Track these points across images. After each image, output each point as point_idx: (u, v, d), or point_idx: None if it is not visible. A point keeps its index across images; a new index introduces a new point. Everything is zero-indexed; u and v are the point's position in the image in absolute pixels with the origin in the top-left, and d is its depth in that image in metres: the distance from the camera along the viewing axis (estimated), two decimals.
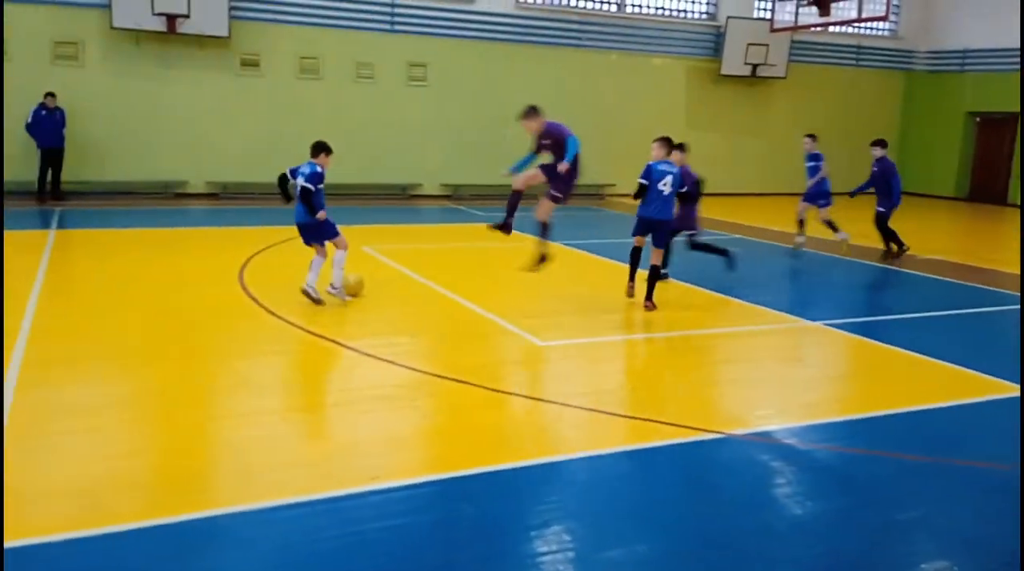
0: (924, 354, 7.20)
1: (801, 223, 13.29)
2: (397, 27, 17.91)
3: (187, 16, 15.54)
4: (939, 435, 5.56)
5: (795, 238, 13.21)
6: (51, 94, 14.93)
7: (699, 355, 7.42)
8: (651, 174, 8.37)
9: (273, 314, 7.78)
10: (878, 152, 12.95)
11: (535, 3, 19.30)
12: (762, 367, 7.01)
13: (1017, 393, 6.32)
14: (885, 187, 12.62)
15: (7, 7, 14.90)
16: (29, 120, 14.75)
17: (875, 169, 12.81)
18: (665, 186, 8.33)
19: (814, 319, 8.39)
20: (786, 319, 8.45)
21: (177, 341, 6.98)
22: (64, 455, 4.62)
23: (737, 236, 14.45)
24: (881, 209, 12.58)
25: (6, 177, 14.79)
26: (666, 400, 6.08)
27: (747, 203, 19.98)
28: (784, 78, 21.54)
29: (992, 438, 5.63)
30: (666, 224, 8.58)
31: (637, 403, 5.91)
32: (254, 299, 8.36)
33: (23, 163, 14.95)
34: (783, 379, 6.70)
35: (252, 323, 7.59)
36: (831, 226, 12.85)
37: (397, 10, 17.86)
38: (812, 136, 13.60)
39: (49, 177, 15.01)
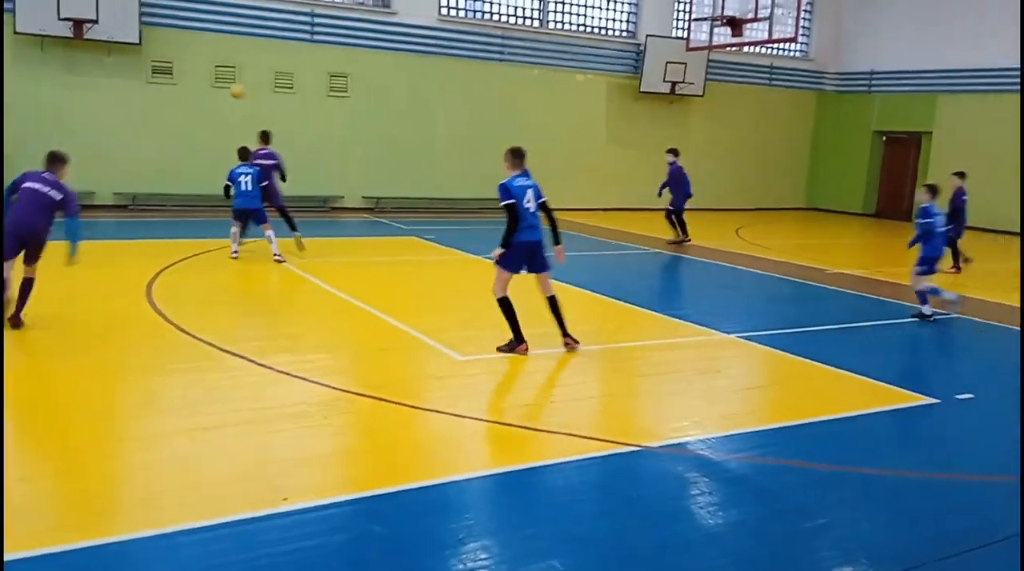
0: (835, 366, 7.40)
1: None
2: (317, 37, 17.66)
3: (95, 22, 14.99)
4: (850, 445, 5.70)
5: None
6: None
7: (616, 368, 7.46)
8: (511, 192, 7.19)
9: (182, 330, 7.51)
10: (670, 158, 15.62)
11: (458, 16, 19.32)
12: (679, 380, 7.09)
13: (922, 402, 6.55)
14: (677, 187, 15.34)
15: None
16: None
17: (670, 171, 15.58)
18: (530, 203, 7.24)
19: (728, 332, 8.55)
20: (701, 332, 8.58)
21: (79, 358, 6.66)
22: None
23: (653, 249, 14.67)
24: (671, 206, 15.36)
25: None
26: (583, 414, 6.08)
27: (654, 216, 20.32)
28: (702, 96, 22.07)
29: (901, 447, 5.81)
30: (539, 245, 7.34)
31: (554, 417, 5.89)
32: (162, 314, 8.06)
33: None
34: (699, 391, 6.79)
35: (160, 339, 7.30)
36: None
37: (317, 19, 17.62)
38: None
39: None
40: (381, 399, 5.91)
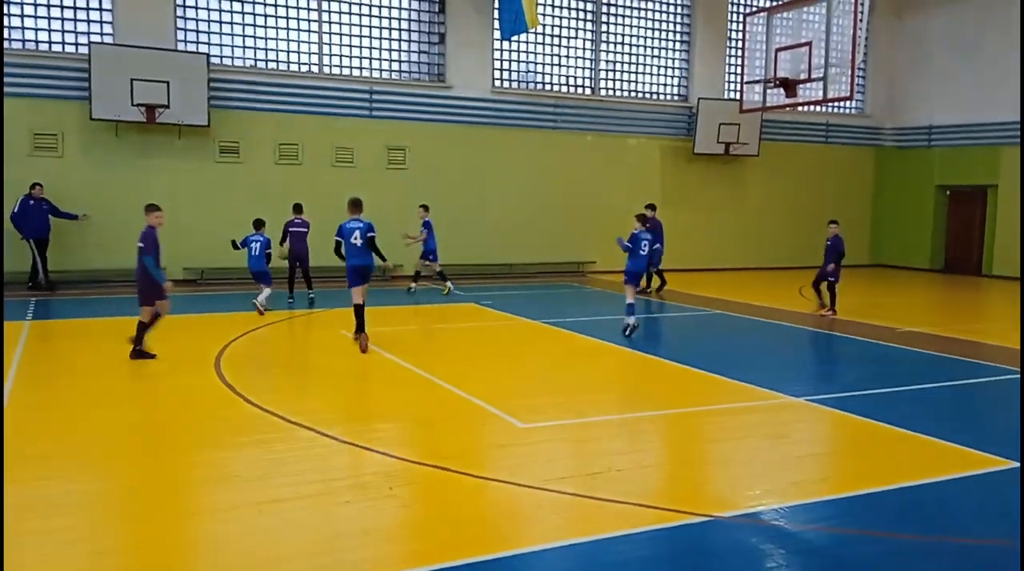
0: (910, 429, 7.14)
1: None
2: (376, 112, 18.23)
3: (167, 107, 15.74)
4: (929, 512, 5.46)
5: None
6: (38, 184, 14.99)
7: (681, 434, 7.32)
8: (341, 232, 10.35)
9: (250, 402, 7.63)
10: (649, 213, 15.51)
11: (511, 87, 19.76)
12: (748, 445, 6.92)
13: (1006, 466, 6.26)
14: (657, 241, 15.11)
15: None
16: (16, 210, 14.76)
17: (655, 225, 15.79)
18: (356, 239, 10.23)
19: (797, 395, 8.34)
20: (769, 395, 8.39)
21: (152, 433, 6.82)
22: (33, 556, 4.42)
23: (716, 311, 14.50)
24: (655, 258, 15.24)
25: None
26: (651, 482, 5.96)
27: (723, 278, 20.14)
28: (757, 155, 22.03)
29: (983, 514, 5.54)
30: (366, 267, 10.36)
31: (621, 486, 5.78)
32: (230, 387, 8.21)
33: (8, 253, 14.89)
34: (770, 457, 6.61)
35: (229, 411, 7.43)
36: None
37: (375, 96, 18.21)
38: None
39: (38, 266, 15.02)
40: (445, 469, 5.89)
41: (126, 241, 15.99)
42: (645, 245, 11.50)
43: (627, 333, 11.38)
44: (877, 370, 10.33)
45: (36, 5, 15.60)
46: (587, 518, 5.21)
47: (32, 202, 14.89)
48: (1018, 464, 6.27)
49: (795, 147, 23.16)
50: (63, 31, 15.84)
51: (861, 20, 14.96)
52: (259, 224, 13.40)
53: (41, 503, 5.20)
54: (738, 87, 20.74)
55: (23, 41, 15.57)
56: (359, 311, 10.33)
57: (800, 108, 21.22)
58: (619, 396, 8.40)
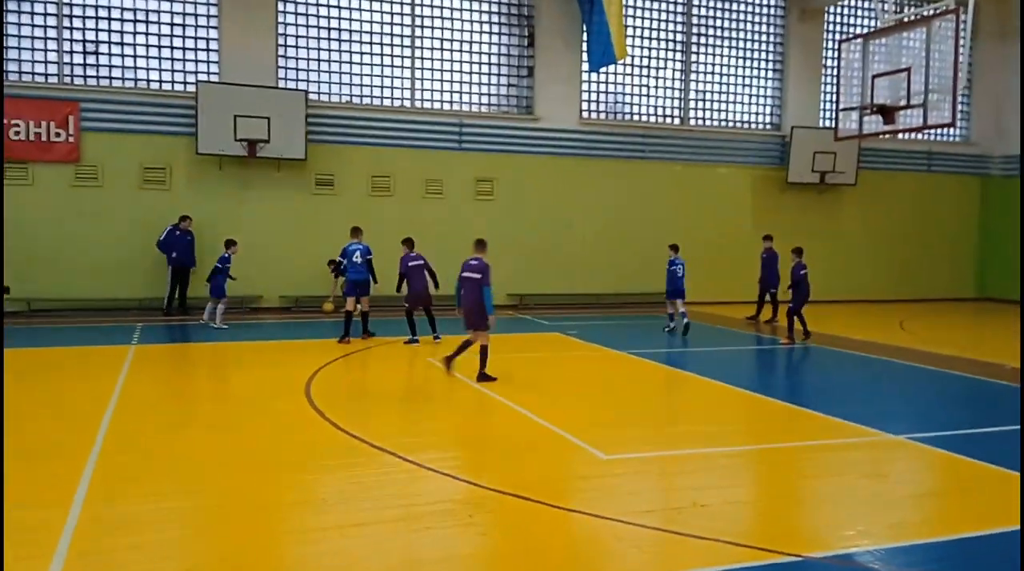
0: (1015, 470, 6.71)
1: None
2: (465, 145, 18.54)
3: (267, 141, 16.41)
4: None
5: None
6: (187, 217, 15.86)
7: (773, 470, 7.08)
8: (345, 252, 13.26)
9: (337, 427, 7.78)
10: (766, 244, 17.29)
11: (598, 118, 19.81)
12: (842, 484, 6.63)
13: None
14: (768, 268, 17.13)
15: (104, 135, 16.00)
16: (161, 238, 15.70)
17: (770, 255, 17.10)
18: (357, 258, 13.08)
19: (896, 433, 7.96)
20: (866, 432, 8.04)
21: (243, 455, 7.02)
22: (126, 570, 4.60)
23: (813, 344, 14.03)
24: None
25: (130, 294, 15.91)
26: (740, 519, 5.77)
27: (817, 310, 19.50)
28: (854, 185, 21.38)
29: None
30: (364, 281, 13.16)
31: (707, 522, 5.61)
32: (320, 412, 8.40)
33: (114, 278, 15.79)
34: (866, 497, 6.31)
35: (317, 436, 7.60)
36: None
37: (465, 129, 18.53)
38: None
39: (177, 293, 16.01)
40: (525, 498, 5.85)
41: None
42: (678, 269, 15.01)
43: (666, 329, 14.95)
44: (982, 408, 9.78)
45: (148, 46, 16.56)
46: (669, 554, 5.08)
47: (178, 233, 15.75)
48: None
49: (895, 176, 22.37)
50: (172, 71, 16.74)
51: (963, 45, 14.36)
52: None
53: (133, 519, 5.40)
54: (833, 114, 20.21)
55: (135, 80, 16.53)
56: (364, 317, 13.22)
57: (900, 135, 20.52)
58: (705, 429, 8.19)
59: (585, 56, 18.99)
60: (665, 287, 15.38)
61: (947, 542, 5.32)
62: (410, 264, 12.96)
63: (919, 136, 22.31)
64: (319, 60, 17.70)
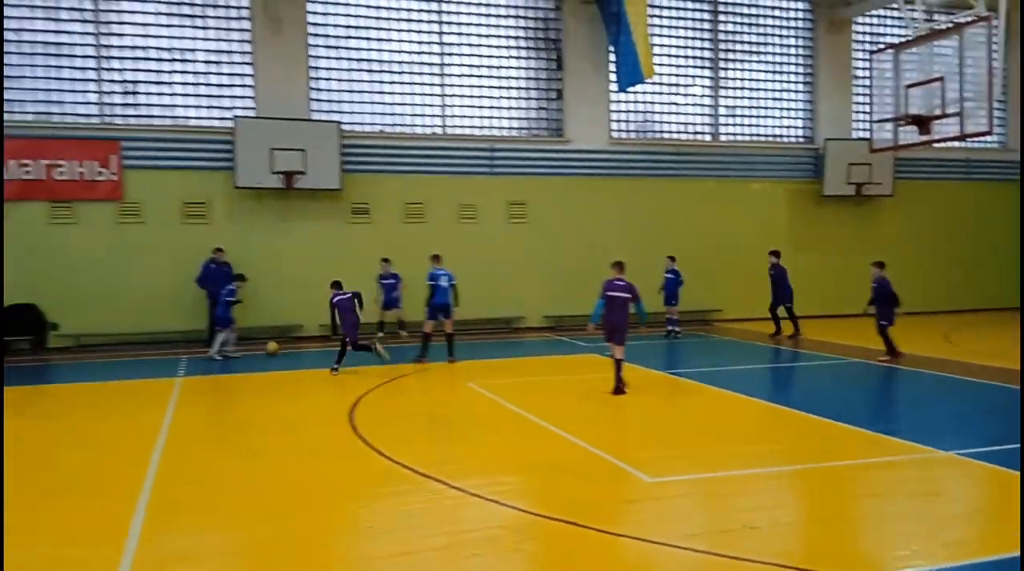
0: None
1: None
2: (496, 169, 18.67)
3: (303, 173, 16.68)
4: None
5: None
6: (220, 249, 16.11)
7: (822, 490, 6.98)
8: (431, 276, 13.73)
9: (382, 454, 7.84)
10: (773, 259, 17.38)
11: (628, 138, 19.84)
12: (894, 502, 6.52)
13: None
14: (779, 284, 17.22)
15: (145, 172, 16.39)
16: (200, 274, 15.90)
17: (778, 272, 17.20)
18: (442, 281, 13.65)
19: (947, 448, 7.82)
20: (916, 448, 7.90)
21: (291, 484, 7.09)
22: None
23: (852, 359, 13.83)
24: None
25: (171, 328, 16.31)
26: (789, 540, 5.70)
27: (856, 324, 19.23)
28: (891, 196, 21.14)
29: None
30: (445, 305, 13.76)
31: (759, 544, 5.55)
32: (364, 439, 8.46)
33: (169, 313, 16.09)
34: (918, 516, 6.20)
35: (362, 464, 7.66)
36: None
37: (496, 153, 18.68)
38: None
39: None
40: (572, 523, 5.84)
41: (269, 300, 16.99)
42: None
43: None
44: None
45: (185, 84, 16.96)
46: None
47: (214, 266, 15.97)
48: None
49: (933, 185, 22.08)
50: (210, 107, 17.12)
51: (996, 51, 14.19)
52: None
53: (189, 552, 5.49)
54: (867, 126, 20.05)
55: (173, 117, 16.92)
56: (450, 337, 13.94)
57: (936, 144, 20.26)
58: (751, 449, 8.11)
59: (613, 77, 19.07)
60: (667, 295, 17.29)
61: (1005, 560, 5.21)
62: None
63: (955, 143, 22.00)
64: (351, 91, 17.98)
